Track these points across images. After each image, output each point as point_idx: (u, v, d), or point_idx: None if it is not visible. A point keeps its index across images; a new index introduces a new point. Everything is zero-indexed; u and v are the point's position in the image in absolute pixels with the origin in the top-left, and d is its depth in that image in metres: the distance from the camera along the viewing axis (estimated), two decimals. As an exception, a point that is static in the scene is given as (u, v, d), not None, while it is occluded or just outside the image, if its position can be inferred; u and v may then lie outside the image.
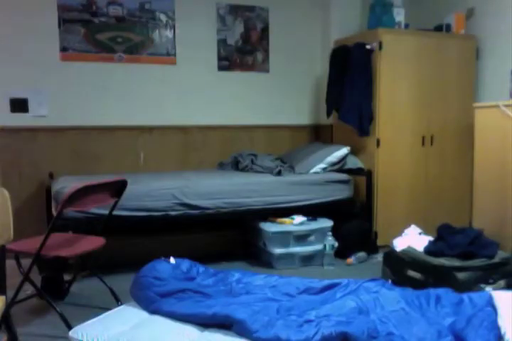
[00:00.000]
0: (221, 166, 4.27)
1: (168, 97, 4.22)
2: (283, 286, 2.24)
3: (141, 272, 2.25)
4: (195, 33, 4.26)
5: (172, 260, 2.37)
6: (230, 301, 2.01)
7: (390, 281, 2.80)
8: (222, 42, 4.38)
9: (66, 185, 3.15)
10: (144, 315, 2.00)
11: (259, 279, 2.33)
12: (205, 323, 1.89)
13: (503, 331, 1.79)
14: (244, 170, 4.00)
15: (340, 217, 3.82)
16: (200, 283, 2.28)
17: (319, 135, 4.72)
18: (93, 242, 2.71)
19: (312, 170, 3.93)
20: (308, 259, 3.65)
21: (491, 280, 2.71)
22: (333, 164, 3.99)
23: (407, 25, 4.08)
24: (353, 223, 3.85)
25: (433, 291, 2.16)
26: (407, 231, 3.29)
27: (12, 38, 3.74)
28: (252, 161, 4.05)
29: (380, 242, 3.92)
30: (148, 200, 3.34)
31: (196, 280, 2.31)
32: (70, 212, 2.98)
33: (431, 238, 3.09)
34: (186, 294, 2.11)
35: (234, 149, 4.34)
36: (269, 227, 3.58)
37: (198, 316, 1.90)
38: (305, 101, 4.72)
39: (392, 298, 2.07)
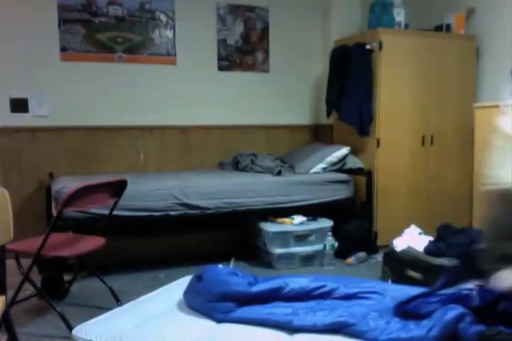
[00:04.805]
0: (221, 166, 4.27)
1: (168, 97, 4.22)
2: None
3: (211, 282, 1.95)
4: (195, 33, 4.26)
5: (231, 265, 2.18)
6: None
7: (390, 281, 2.81)
8: (222, 42, 4.38)
9: (66, 185, 3.15)
10: (147, 313, 1.99)
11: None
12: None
13: None
14: (244, 170, 4.00)
15: (340, 217, 3.82)
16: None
17: (319, 135, 4.72)
18: (93, 242, 2.71)
19: (312, 170, 3.93)
20: (308, 259, 3.65)
21: (491, 280, 2.70)
22: (333, 164, 3.99)
23: (407, 25, 4.08)
24: (353, 223, 3.85)
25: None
26: (407, 231, 3.29)
27: (12, 37, 3.74)
28: (252, 161, 4.05)
29: (380, 242, 3.92)
30: (148, 200, 3.33)
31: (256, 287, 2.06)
32: (70, 212, 2.97)
33: (431, 238, 3.09)
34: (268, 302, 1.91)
35: (234, 149, 4.34)
36: (269, 227, 3.58)
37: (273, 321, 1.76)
38: (305, 101, 4.72)
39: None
